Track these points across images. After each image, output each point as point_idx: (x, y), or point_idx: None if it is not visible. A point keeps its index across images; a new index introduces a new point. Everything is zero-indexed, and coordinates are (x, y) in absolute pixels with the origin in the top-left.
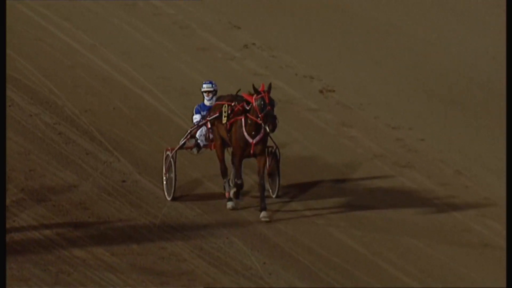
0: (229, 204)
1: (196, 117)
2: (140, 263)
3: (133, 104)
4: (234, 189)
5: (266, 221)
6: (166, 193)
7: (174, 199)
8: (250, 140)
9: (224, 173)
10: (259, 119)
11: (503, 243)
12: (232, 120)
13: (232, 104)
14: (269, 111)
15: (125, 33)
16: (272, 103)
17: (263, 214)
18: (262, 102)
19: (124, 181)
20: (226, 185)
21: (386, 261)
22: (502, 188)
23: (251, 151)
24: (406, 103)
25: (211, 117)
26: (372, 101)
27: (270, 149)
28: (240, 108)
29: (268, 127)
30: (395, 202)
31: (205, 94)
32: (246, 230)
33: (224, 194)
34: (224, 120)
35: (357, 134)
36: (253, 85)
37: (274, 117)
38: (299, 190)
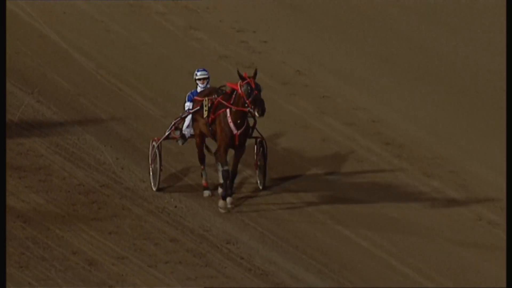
0: (206, 193)
1: (188, 105)
2: None
3: None
4: (222, 181)
5: (227, 210)
6: (152, 184)
7: (159, 190)
8: (235, 131)
9: (201, 160)
10: (246, 105)
11: (337, 137)
12: (217, 114)
13: (212, 97)
14: (256, 96)
15: None
16: (258, 87)
17: (228, 200)
18: (248, 88)
19: None
20: (204, 172)
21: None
22: (340, 86)
23: (236, 142)
24: (250, 8)
25: (193, 110)
26: (217, 5)
27: (258, 139)
28: (221, 100)
29: (258, 112)
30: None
31: (199, 82)
32: (99, 127)
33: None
34: (205, 114)
35: (203, 36)
36: (238, 71)
37: (262, 101)
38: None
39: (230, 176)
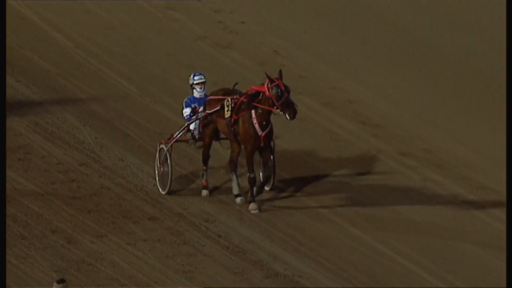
0: (204, 192)
1: (187, 111)
2: None
3: None
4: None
5: (255, 213)
6: (159, 187)
7: (169, 193)
8: (260, 132)
9: (205, 161)
10: (275, 107)
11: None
12: (240, 114)
13: (235, 97)
14: (287, 98)
15: None
16: (288, 89)
17: (252, 206)
18: (278, 90)
19: None
20: (205, 173)
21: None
22: (317, 66)
23: (261, 143)
24: None
25: (211, 111)
26: None
27: None
28: (244, 100)
29: (289, 115)
30: (394, 197)
31: (197, 87)
32: (79, 106)
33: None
34: (228, 114)
35: (181, 17)
36: (266, 74)
37: (293, 104)
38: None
39: (256, 182)
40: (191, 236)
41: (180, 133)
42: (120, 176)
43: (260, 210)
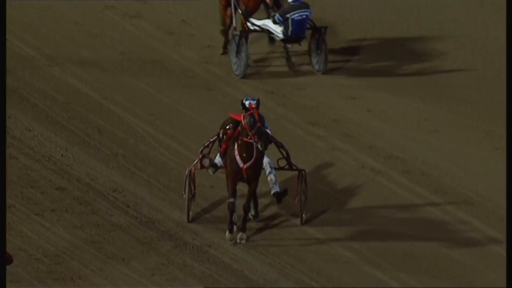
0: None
1: None
2: None
3: None
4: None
5: (243, 243)
6: (186, 214)
7: (192, 220)
8: (241, 164)
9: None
10: (249, 137)
11: None
12: (228, 144)
13: (227, 127)
14: (259, 128)
15: None
16: (262, 119)
17: (240, 235)
18: (251, 119)
19: None
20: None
21: None
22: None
23: (244, 176)
24: None
25: (212, 139)
26: None
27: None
28: (233, 132)
29: (260, 146)
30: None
31: None
32: None
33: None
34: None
35: None
36: (241, 102)
37: (266, 134)
38: None
39: (235, 209)
40: (99, 206)
41: (197, 159)
42: (27, 146)
43: (247, 240)
